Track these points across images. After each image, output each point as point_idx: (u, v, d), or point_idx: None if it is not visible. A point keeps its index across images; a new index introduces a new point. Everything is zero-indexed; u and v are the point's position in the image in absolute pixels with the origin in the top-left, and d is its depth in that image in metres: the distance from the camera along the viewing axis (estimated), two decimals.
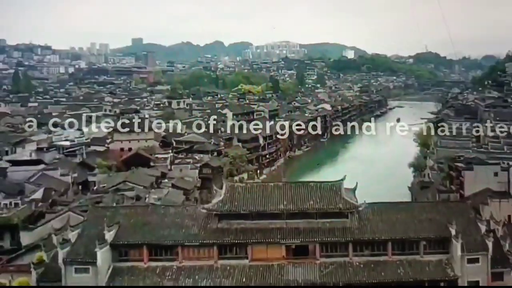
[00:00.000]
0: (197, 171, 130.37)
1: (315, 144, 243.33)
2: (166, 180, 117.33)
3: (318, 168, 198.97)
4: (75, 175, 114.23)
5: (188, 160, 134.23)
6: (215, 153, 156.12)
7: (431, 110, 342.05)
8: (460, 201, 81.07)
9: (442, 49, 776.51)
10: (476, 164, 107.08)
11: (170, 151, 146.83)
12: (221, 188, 69.27)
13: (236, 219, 65.74)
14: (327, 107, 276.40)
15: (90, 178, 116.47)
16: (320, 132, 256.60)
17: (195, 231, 65.27)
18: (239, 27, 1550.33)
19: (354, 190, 71.30)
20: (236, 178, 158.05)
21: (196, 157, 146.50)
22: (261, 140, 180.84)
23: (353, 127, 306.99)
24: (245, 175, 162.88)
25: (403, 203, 77.07)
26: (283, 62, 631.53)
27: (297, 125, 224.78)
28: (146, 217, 66.84)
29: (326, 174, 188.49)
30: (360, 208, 66.56)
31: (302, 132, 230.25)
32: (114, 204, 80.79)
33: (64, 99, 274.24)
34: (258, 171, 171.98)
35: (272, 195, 67.52)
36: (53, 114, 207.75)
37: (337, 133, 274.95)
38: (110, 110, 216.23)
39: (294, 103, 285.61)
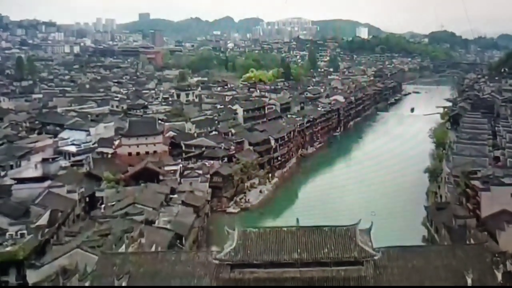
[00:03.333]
0: (207, 184, 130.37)
1: (327, 139, 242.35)
2: (176, 196, 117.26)
3: (330, 166, 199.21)
4: (82, 189, 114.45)
5: (198, 172, 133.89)
6: (226, 159, 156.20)
7: (447, 96, 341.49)
8: (476, 244, 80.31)
9: (458, 28, 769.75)
10: (493, 185, 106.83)
11: (180, 160, 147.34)
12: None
13: (249, 268, 65.70)
14: (340, 99, 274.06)
15: (98, 194, 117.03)
16: (333, 126, 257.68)
17: (207, 281, 65.03)
18: (250, 1, 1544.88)
19: (369, 231, 70.87)
20: (247, 183, 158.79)
21: (206, 163, 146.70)
22: (272, 142, 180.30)
23: (366, 117, 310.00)
24: (256, 180, 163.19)
25: (419, 248, 76.93)
26: (294, 43, 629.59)
27: (309, 121, 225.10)
28: (156, 265, 66.73)
29: (340, 174, 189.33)
30: (375, 257, 66.36)
31: (314, 128, 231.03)
32: (124, 237, 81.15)
33: (69, 88, 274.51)
34: (270, 175, 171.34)
35: (286, 242, 67.09)
36: (59, 108, 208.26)
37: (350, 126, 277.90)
38: (117, 106, 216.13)
39: (306, 93, 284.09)
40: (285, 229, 70.07)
